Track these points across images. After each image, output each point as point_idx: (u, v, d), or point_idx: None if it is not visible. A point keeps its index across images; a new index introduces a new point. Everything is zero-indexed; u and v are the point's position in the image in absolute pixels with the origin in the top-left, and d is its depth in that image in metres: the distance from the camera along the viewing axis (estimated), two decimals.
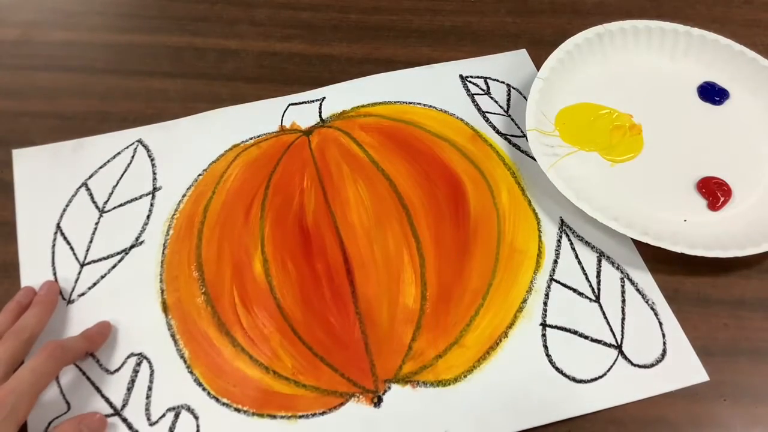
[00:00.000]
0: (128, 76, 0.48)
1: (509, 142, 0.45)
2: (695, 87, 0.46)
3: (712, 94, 0.46)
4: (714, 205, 0.41)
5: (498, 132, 0.45)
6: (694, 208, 0.41)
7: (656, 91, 0.46)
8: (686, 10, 0.51)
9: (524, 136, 0.44)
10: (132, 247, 0.40)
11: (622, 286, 0.38)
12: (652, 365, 0.35)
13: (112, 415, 0.34)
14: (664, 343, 0.36)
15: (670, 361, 0.35)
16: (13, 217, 0.40)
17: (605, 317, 0.37)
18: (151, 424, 0.34)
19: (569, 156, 0.43)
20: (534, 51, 0.49)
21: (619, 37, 0.47)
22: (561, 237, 0.40)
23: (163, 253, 0.39)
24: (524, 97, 0.46)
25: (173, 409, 0.34)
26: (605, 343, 0.36)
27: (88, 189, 0.42)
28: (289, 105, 0.46)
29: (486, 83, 0.48)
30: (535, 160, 0.41)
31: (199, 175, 0.43)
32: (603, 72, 0.47)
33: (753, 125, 0.45)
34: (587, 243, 0.40)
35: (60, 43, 0.49)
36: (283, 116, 0.46)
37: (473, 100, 0.47)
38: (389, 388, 0.35)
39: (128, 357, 0.36)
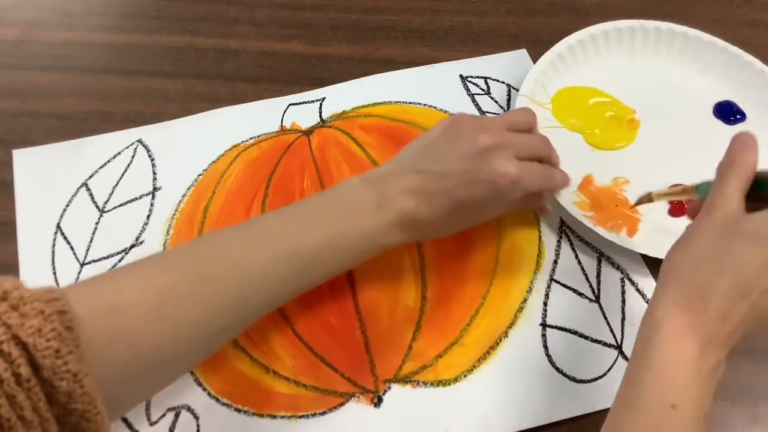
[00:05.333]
0: (128, 76, 0.47)
1: None
2: (714, 103, 0.46)
3: (729, 113, 0.45)
4: (675, 211, 0.40)
5: None
6: (653, 211, 0.40)
7: (672, 98, 0.46)
8: (686, 10, 0.51)
9: None
10: (132, 247, 0.40)
11: (622, 287, 0.38)
12: None
13: None
14: None
15: None
16: (13, 217, 0.40)
17: (605, 317, 0.37)
18: (152, 424, 0.34)
19: (550, 130, 0.42)
20: (534, 51, 0.49)
21: (653, 36, 0.47)
22: (561, 237, 0.40)
23: None
24: None
25: (173, 409, 0.34)
26: (605, 344, 0.37)
27: (88, 189, 0.42)
28: (290, 105, 0.46)
29: (486, 83, 0.48)
30: None
31: (200, 175, 0.43)
32: (625, 66, 0.47)
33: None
34: (587, 243, 0.40)
35: (60, 43, 0.49)
36: (283, 116, 0.46)
37: (473, 100, 0.47)
38: (389, 388, 0.35)
39: None
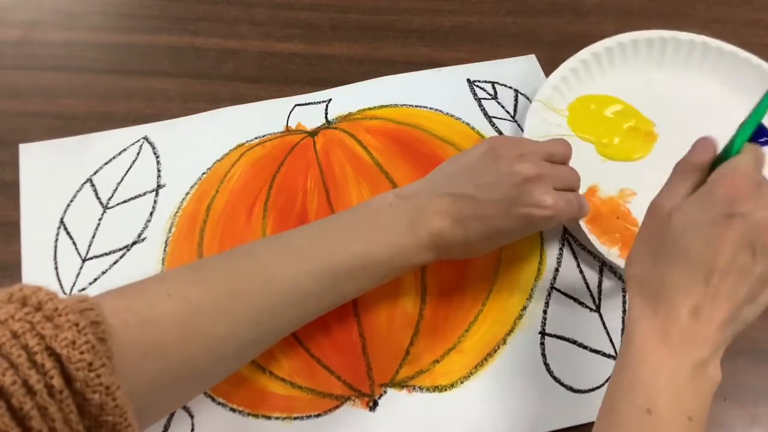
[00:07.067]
0: (128, 76, 0.47)
1: None
2: (740, 121, 0.44)
3: (757, 134, 0.44)
4: None
5: None
6: None
7: (696, 113, 0.44)
8: (686, 10, 0.51)
9: None
10: (134, 243, 0.40)
11: (624, 297, 0.38)
12: None
13: None
14: None
15: None
16: (16, 217, 0.40)
17: (605, 327, 0.37)
18: None
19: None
20: (534, 51, 0.48)
21: (685, 49, 0.45)
22: (563, 245, 0.40)
23: (164, 250, 0.39)
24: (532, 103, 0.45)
25: None
26: (604, 354, 0.36)
27: (92, 185, 0.42)
28: (296, 105, 0.46)
29: (493, 88, 0.47)
30: None
31: (204, 173, 0.43)
32: (651, 78, 0.46)
33: None
34: (589, 252, 0.40)
35: (60, 43, 0.49)
36: (288, 117, 0.45)
37: (480, 105, 0.46)
38: (385, 392, 0.35)
39: None
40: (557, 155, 0.35)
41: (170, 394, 0.29)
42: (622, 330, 0.37)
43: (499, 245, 0.35)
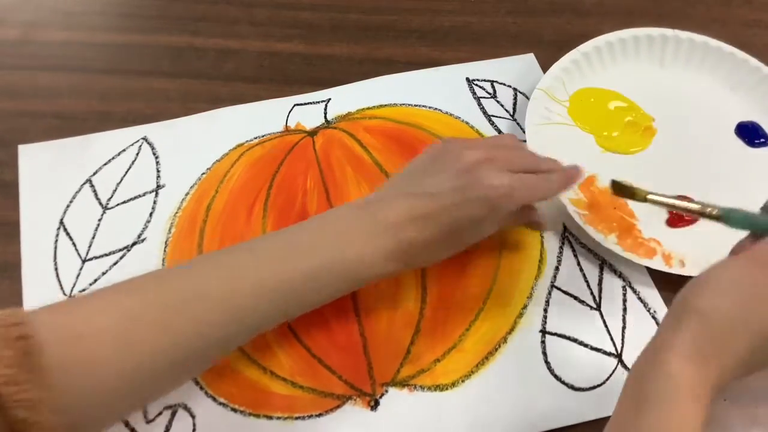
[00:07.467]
0: (128, 76, 0.47)
1: None
2: (738, 122, 0.44)
3: (752, 134, 0.43)
4: (674, 221, 0.40)
5: None
6: (650, 219, 0.40)
7: (695, 111, 0.45)
8: (686, 10, 0.51)
9: None
10: (134, 244, 0.40)
11: (624, 294, 0.38)
12: None
13: None
14: None
15: None
16: (15, 217, 0.40)
17: (606, 325, 0.37)
18: (148, 422, 0.34)
19: (562, 130, 0.42)
20: (534, 51, 0.49)
21: (685, 47, 0.46)
22: (563, 243, 0.40)
23: (164, 251, 0.39)
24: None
25: (170, 407, 0.34)
26: (605, 352, 0.36)
27: (92, 185, 0.42)
28: (295, 105, 0.46)
29: (492, 87, 0.47)
30: None
31: (203, 173, 0.43)
32: (652, 75, 0.47)
33: None
34: (589, 250, 0.40)
35: (60, 43, 0.49)
36: (288, 116, 0.45)
37: (479, 104, 0.46)
38: (386, 391, 0.35)
39: None
40: (506, 146, 0.36)
41: (105, 409, 0.28)
42: (623, 328, 0.37)
43: (465, 242, 0.34)
